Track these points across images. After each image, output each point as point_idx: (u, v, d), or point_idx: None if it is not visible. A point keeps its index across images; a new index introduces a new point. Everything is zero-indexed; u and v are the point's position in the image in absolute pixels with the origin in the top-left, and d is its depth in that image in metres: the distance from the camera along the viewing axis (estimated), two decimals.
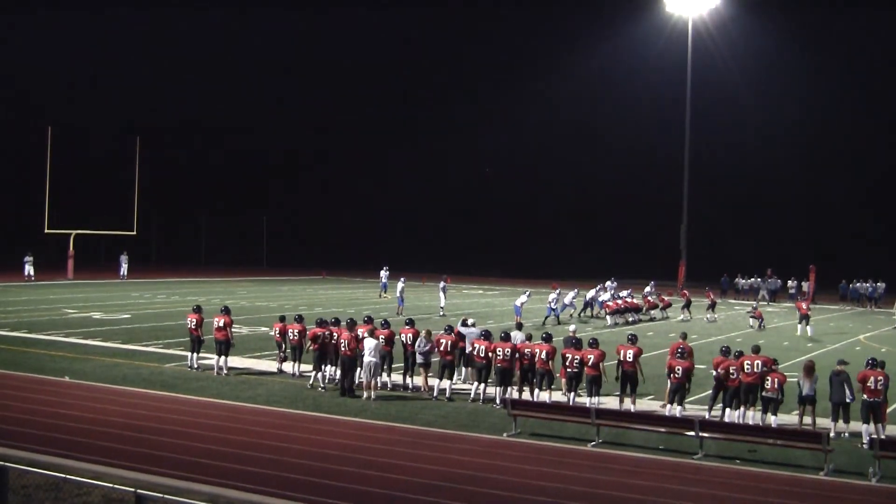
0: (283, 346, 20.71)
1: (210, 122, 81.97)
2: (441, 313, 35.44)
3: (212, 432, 15.08)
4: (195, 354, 20.89)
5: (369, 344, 18.20)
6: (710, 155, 65.50)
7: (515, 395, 17.84)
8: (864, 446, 15.08)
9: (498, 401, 17.64)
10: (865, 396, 15.50)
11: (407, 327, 19.65)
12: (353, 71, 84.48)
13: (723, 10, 55.78)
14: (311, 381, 19.17)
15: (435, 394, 18.46)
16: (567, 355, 17.57)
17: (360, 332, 18.85)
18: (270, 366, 21.58)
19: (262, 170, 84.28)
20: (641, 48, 64.90)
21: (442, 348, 18.55)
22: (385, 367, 19.26)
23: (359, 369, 18.70)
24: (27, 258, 48.86)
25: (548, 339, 18.10)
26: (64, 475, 9.53)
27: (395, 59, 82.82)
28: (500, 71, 79.38)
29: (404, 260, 64.02)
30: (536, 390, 17.93)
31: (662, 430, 15.22)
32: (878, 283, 49.08)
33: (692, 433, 14.59)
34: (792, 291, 49.18)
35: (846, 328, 36.52)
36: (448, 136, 77.65)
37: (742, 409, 16.58)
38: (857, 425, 15.92)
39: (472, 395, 18.26)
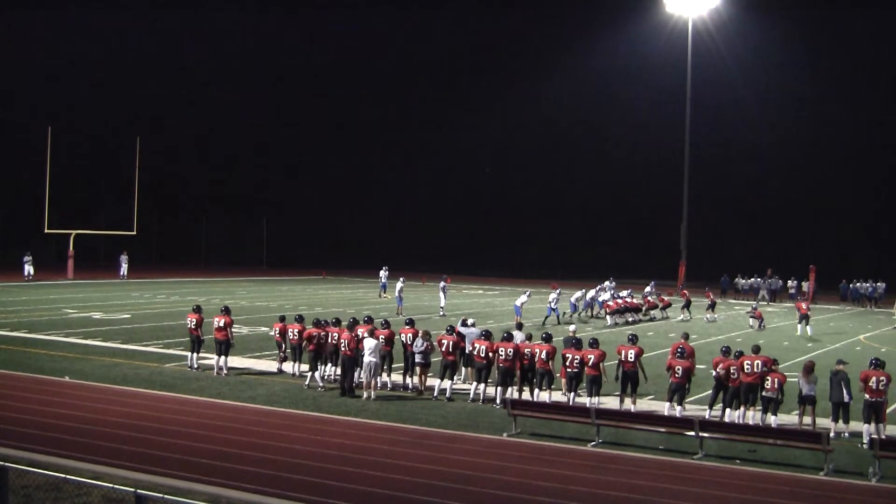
0: (283, 346, 20.71)
1: (210, 122, 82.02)
2: (441, 313, 35.44)
3: (212, 432, 15.08)
4: (195, 354, 20.89)
5: (369, 344, 18.20)
6: (710, 155, 65.53)
7: (515, 395, 17.84)
8: (865, 446, 15.08)
9: (498, 401, 17.64)
10: (868, 396, 15.49)
11: (407, 327, 19.64)
12: (352, 71, 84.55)
13: (723, 10, 55.83)
14: (307, 382, 19.17)
15: (435, 394, 18.46)
16: (567, 355, 17.56)
17: (360, 332, 18.84)
18: (270, 366, 21.58)
19: (262, 170, 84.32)
20: (641, 48, 64.96)
21: (444, 349, 18.55)
22: (385, 367, 19.27)
23: (359, 369, 18.70)
24: (26, 258, 48.85)
25: (548, 339, 18.10)
26: (64, 475, 9.52)
27: (395, 59, 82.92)
28: (500, 71, 79.43)
29: (404, 260, 64.06)
30: (536, 390, 17.93)
31: (662, 430, 15.22)
32: (878, 283, 49.10)
33: (692, 433, 14.59)
34: (792, 291, 49.22)
35: (846, 328, 36.52)
36: (448, 136, 77.68)
37: (742, 409, 16.58)
38: (856, 425, 15.92)
39: (471, 395, 18.26)
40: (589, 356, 17.39)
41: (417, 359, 18.87)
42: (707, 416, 16.65)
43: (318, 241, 78.07)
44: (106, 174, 72.08)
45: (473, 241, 75.48)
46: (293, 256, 74.71)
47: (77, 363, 21.51)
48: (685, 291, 40.08)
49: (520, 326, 20.70)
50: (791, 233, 65.65)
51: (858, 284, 49.42)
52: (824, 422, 16.26)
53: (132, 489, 8.22)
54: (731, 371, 16.70)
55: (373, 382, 18.11)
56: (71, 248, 52.68)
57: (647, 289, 39.86)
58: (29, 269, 48.68)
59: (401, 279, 38.35)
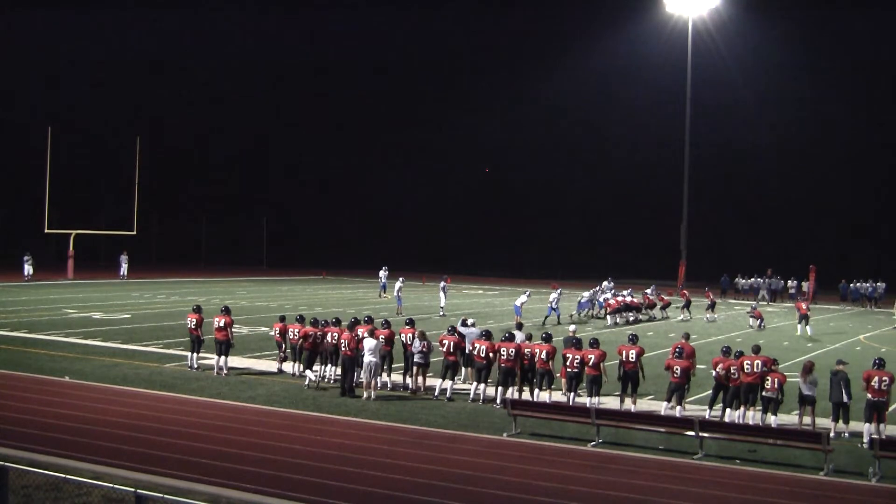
0: (284, 346, 20.71)
1: (210, 122, 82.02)
2: (441, 313, 35.44)
3: (212, 432, 15.08)
4: (195, 354, 20.89)
5: (369, 344, 18.20)
6: (710, 155, 65.54)
7: (515, 395, 17.84)
8: (865, 446, 15.08)
9: (498, 401, 17.63)
10: (870, 396, 15.49)
11: (407, 327, 19.65)
12: (352, 71, 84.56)
13: (723, 10, 55.82)
14: (306, 382, 19.18)
15: (436, 394, 18.46)
16: (567, 355, 17.56)
17: (360, 332, 18.84)
18: (270, 366, 21.58)
19: (262, 170, 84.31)
20: (641, 48, 64.96)
21: (445, 349, 18.55)
22: (385, 367, 19.27)
23: (359, 369, 18.70)
24: (26, 258, 48.86)
25: (548, 339, 18.10)
26: (64, 475, 9.51)
27: (395, 59, 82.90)
28: (500, 71, 79.46)
29: (404, 260, 64.07)
30: (536, 390, 17.93)
31: (662, 430, 15.22)
32: (878, 283, 49.10)
33: (692, 433, 14.59)
34: (792, 291, 49.23)
35: (846, 328, 36.53)
36: (448, 136, 77.68)
37: (742, 409, 16.58)
38: (856, 425, 15.93)
39: (471, 395, 18.25)
40: (589, 356, 17.39)
41: (416, 359, 18.87)
42: (707, 416, 16.65)
43: (318, 241, 78.08)
44: (106, 174, 72.06)
45: (473, 241, 75.48)
46: (293, 256, 74.71)
47: (77, 363, 21.51)
48: (685, 291, 40.08)
49: (520, 326, 20.70)
50: (791, 233, 65.65)
51: (858, 284, 49.42)
52: (824, 422, 16.26)
53: (132, 489, 8.22)
54: (731, 371, 16.70)
55: (373, 382, 18.11)
56: (71, 248, 52.68)
57: (649, 291, 39.83)
58: (29, 268, 48.68)
59: (400, 279, 38.36)
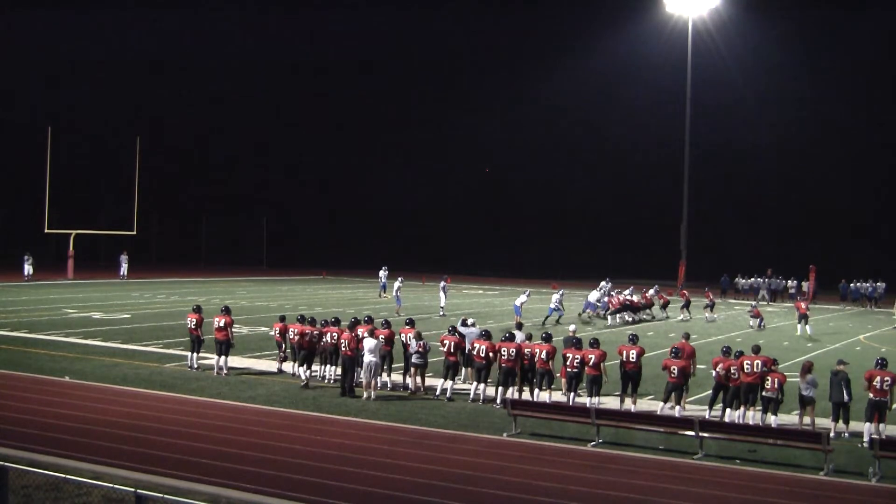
0: (284, 346, 20.71)
1: (210, 122, 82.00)
2: (441, 313, 35.45)
3: (212, 432, 15.08)
4: (195, 354, 20.89)
5: (369, 344, 18.20)
6: (710, 155, 65.54)
7: (515, 395, 17.83)
8: (865, 445, 15.08)
9: (498, 401, 17.63)
10: (872, 395, 15.50)
11: (407, 327, 19.65)
12: (352, 71, 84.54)
13: (723, 10, 55.80)
14: (303, 382, 19.18)
15: (437, 393, 18.46)
16: (568, 355, 17.57)
17: (360, 331, 18.85)
18: (270, 366, 21.58)
19: (262, 170, 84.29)
20: (641, 48, 64.96)
21: (445, 349, 18.55)
22: (385, 367, 19.27)
23: (359, 369, 18.70)
24: (26, 258, 48.86)
25: (548, 338, 18.10)
26: (64, 475, 9.52)
27: (395, 59, 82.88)
28: (500, 71, 79.45)
29: (404, 260, 64.06)
30: (536, 390, 17.93)
31: (662, 430, 15.22)
32: (878, 283, 49.09)
33: (692, 433, 14.59)
34: (792, 291, 49.22)
35: (846, 328, 36.53)
36: (448, 136, 77.64)
37: (742, 409, 16.57)
38: (856, 425, 15.93)
39: (471, 395, 18.25)
40: (589, 356, 17.39)
41: (414, 359, 18.87)
42: (707, 416, 16.65)
43: (318, 241, 78.08)
44: (106, 174, 72.10)
45: (473, 241, 75.46)
46: (293, 256, 74.70)
47: (77, 363, 21.51)
48: (685, 291, 40.07)
49: (520, 326, 20.70)
50: (791, 233, 65.64)
51: (858, 284, 49.42)
52: (824, 422, 16.26)
53: (132, 489, 8.22)
54: (731, 371, 16.70)
55: (373, 382, 18.11)
56: (71, 248, 52.68)
57: (650, 291, 39.77)
58: (29, 268, 48.68)
59: (399, 279, 38.36)
